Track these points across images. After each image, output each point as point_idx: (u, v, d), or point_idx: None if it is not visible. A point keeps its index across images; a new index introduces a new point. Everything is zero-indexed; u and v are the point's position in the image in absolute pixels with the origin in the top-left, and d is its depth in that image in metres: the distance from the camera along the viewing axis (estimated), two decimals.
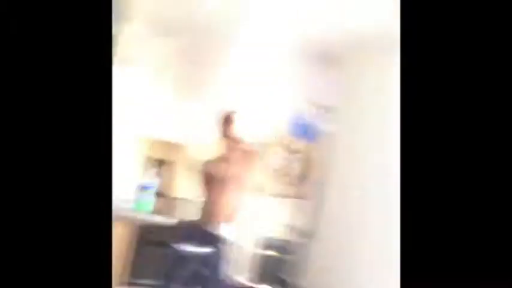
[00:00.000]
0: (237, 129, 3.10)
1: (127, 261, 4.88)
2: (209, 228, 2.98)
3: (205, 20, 3.84)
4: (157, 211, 6.22)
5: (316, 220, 3.15)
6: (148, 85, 5.44)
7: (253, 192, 3.17)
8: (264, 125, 4.45)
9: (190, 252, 2.98)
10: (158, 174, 7.54)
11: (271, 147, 3.11)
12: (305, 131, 3.19)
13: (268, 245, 5.61)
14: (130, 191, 6.20)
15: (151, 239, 5.01)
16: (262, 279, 5.32)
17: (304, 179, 3.80)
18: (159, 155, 7.61)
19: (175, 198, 6.54)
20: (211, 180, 3.03)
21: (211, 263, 2.91)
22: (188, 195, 6.46)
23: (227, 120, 3.11)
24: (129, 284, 4.88)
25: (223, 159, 3.06)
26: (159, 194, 7.23)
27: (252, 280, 5.38)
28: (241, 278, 4.75)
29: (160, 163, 7.66)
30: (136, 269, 4.91)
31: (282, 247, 5.24)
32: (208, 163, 3.10)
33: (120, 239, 4.74)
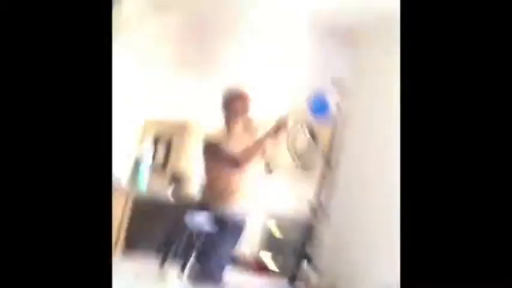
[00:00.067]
0: (249, 107, 3.02)
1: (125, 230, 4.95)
2: (211, 208, 2.94)
3: None
4: (153, 186, 6.27)
5: (325, 200, 3.13)
6: (151, 62, 5.34)
7: (261, 171, 3.12)
8: (275, 103, 4.36)
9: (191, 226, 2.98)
10: (157, 150, 7.57)
11: (283, 126, 3.02)
12: (321, 109, 3.11)
13: (274, 225, 5.64)
14: (128, 165, 6.22)
15: (150, 212, 5.06)
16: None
17: (315, 158, 3.78)
18: (159, 132, 7.64)
19: (175, 174, 6.58)
20: (217, 159, 2.95)
21: (213, 239, 2.89)
22: (189, 173, 6.52)
23: (239, 99, 3.01)
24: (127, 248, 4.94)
25: (230, 138, 2.98)
26: (157, 169, 7.26)
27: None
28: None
29: (160, 140, 7.67)
30: (134, 236, 4.98)
31: (289, 228, 5.26)
32: (213, 141, 3.00)
33: (118, 209, 4.79)
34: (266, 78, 4.87)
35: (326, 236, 3.13)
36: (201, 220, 2.93)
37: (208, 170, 3.04)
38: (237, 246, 3.00)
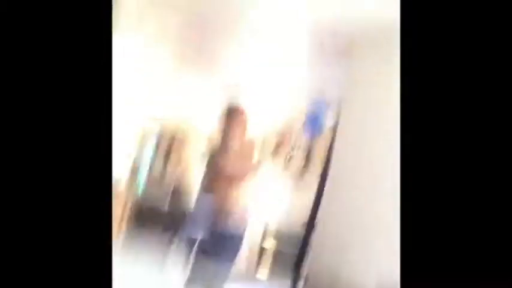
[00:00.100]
0: (244, 122, 3.00)
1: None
2: (209, 218, 2.93)
3: None
4: (151, 189, 6.23)
5: (319, 211, 3.12)
6: (151, 62, 5.32)
7: (256, 183, 3.11)
8: (275, 103, 4.35)
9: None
10: (156, 151, 7.53)
11: (277, 139, 3.01)
12: (315, 123, 3.12)
13: (268, 236, 5.66)
14: (127, 166, 6.20)
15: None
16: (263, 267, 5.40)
17: (308, 171, 3.77)
18: (159, 132, 7.63)
19: (174, 181, 6.50)
20: (215, 173, 2.96)
21: (210, 252, 2.89)
22: (187, 179, 6.46)
23: (234, 113, 3.01)
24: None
25: (226, 151, 2.97)
26: (156, 173, 7.21)
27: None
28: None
29: (160, 141, 7.66)
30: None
31: (283, 239, 5.29)
32: (212, 156, 3.03)
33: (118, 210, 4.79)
34: (266, 78, 4.86)
35: (323, 247, 3.13)
36: (197, 230, 2.94)
37: (207, 182, 3.06)
38: (235, 260, 3.00)
